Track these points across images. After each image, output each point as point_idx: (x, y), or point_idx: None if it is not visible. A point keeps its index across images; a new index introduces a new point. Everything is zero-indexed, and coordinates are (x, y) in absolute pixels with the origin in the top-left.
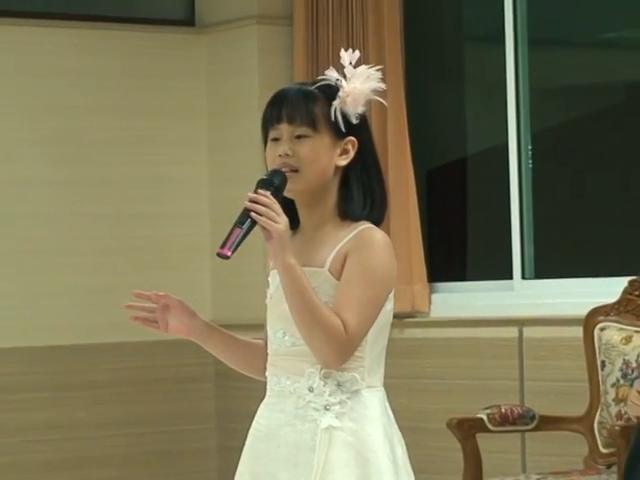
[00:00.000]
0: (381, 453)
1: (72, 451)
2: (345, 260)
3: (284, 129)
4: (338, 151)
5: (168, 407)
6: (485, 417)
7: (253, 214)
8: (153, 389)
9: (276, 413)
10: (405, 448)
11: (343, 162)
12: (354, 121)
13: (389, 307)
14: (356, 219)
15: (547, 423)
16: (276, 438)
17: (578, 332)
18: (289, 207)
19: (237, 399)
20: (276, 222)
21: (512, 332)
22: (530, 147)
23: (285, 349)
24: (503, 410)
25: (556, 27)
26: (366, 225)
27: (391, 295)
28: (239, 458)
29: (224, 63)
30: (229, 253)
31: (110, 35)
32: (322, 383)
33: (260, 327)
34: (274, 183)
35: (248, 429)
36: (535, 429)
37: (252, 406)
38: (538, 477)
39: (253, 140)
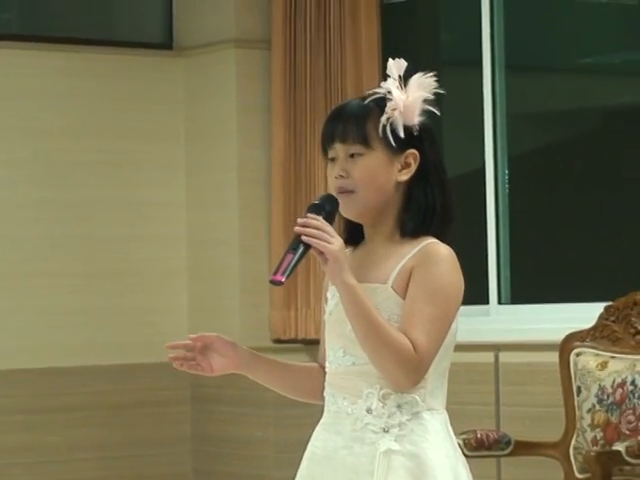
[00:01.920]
0: (441, 478)
1: (45, 475)
2: (410, 277)
3: (338, 149)
4: (398, 166)
5: (143, 431)
6: (461, 442)
7: (305, 237)
8: (128, 413)
9: (333, 435)
10: (470, 474)
11: (404, 177)
12: (402, 135)
13: (454, 327)
14: (416, 235)
15: (523, 448)
16: (333, 461)
17: (554, 357)
18: (353, 224)
19: (213, 423)
20: (330, 243)
21: (488, 357)
22: (507, 172)
23: (344, 368)
24: (479, 435)
25: (533, 52)
26: (430, 240)
27: (457, 313)
28: None
29: (202, 86)
30: (282, 279)
31: (88, 58)
32: (381, 405)
33: None
34: (325, 208)
35: (223, 453)
36: (511, 454)
37: (228, 430)
38: None
39: (230, 163)
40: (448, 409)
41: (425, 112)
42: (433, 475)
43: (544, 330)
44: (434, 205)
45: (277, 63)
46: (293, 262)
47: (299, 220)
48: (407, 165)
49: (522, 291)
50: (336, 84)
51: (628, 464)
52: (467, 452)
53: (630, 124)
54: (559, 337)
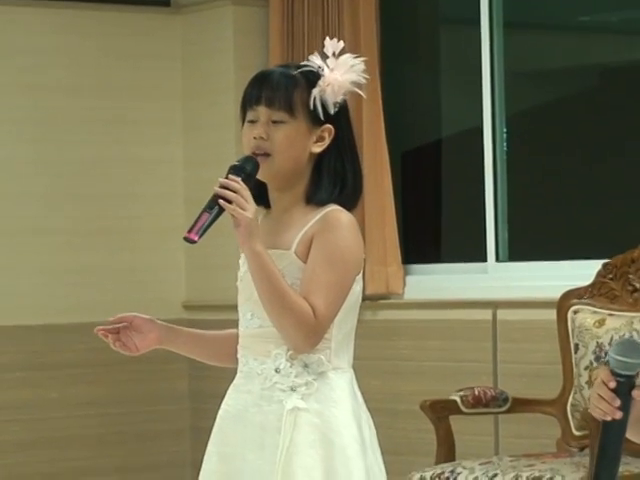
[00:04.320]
0: (347, 434)
1: (44, 431)
2: (311, 243)
3: (262, 112)
4: (314, 138)
5: (141, 387)
6: (458, 399)
7: (221, 201)
8: (126, 369)
9: (243, 394)
10: (374, 430)
11: (318, 149)
12: (332, 111)
13: (357, 289)
14: (322, 204)
15: (520, 405)
16: (243, 419)
17: (551, 315)
18: (261, 189)
19: (211, 380)
20: (244, 209)
21: (486, 314)
22: (505, 130)
23: (252, 330)
24: (476, 392)
25: (531, 10)
26: (332, 207)
27: (359, 277)
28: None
29: (199, 44)
30: (196, 238)
31: (85, 15)
32: (289, 364)
33: (234, 308)
34: (246, 169)
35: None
36: (508, 411)
37: (226, 387)
38: (511, 459)
39: (228, 121)
40: (445, 366)
41: (347, 93)
42: (338, 430)
43: (542, 288)
44: (344, 178)
45: (275, 20)
46: (207, 222)
47: (220, 180)
48: (321, 139)
49: (520, 249)
50: (314, 53)
51: None
52: (465, 409)
53: (629, 82)
54: (557, 295)
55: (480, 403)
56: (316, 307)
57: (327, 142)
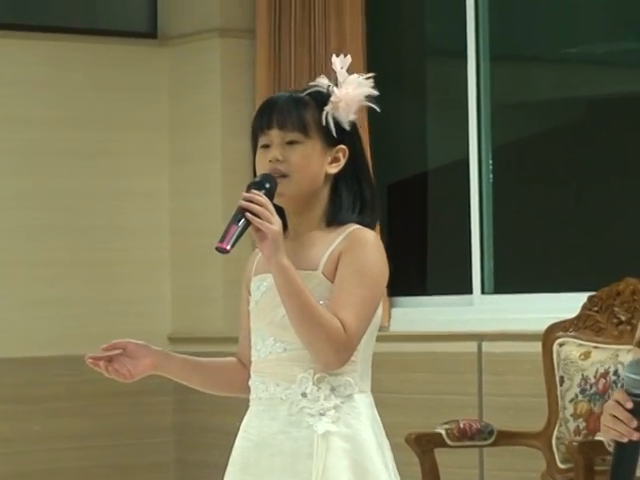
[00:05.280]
0: (378, 461)
1: (27, 464)
2: (338, 261)
3: (275, 135)
4: (329, 159)
5: (125, 420)
6: (443, 432)
7: (248, 215)
8: (110, 402)
9: (267, 421)
10: (392, 454)
11: (334, 170)
12: (347, 127)
13: (379, 312)
14: (344, 223)
15: (505, 438)
16: (269, 447)
17: (537, 347)
18: (278, 214)
19: (195, 412)
20: (271, 222)
21: (471, 347)
22: (491, 162)
23: (276, 355)
24: (461, 425)
25: (517, 43)
26: (357, 226)
27: (380, 301)
28: (196, 471)
29: (186, 75)
30: (228, 247)
31: (72, 47)
32: (316, 388)
33: (220, 340)
34: (265, 186)
35: (205, 443)
36: (493, 444)
37: (210, 419)
38: None
39: (214, 153)
40: (431, 399)
41: (359, 109)
42: (369, 456)
43: (527, 320)
44: (363, 199)
45: (262, 53)
46: (237, 233)
47: (244, 194)
48: (336, 160)
49: (505, 281)
50: (320, 74)
51: (610, 454)
52: (450, 442)
53: (614, 114)
54: (542, 327)
55: (465, 436)
56: (346, 322)
57: (342, 163)
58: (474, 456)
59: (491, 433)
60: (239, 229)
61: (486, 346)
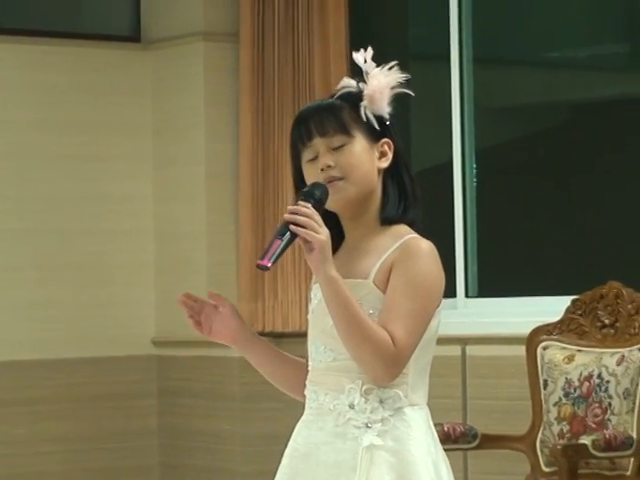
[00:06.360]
0: (424, 476)
1: (11, 467)
2: (390, 271)
3: (319, 144)
4: (377, 154)
5: (110, 424)
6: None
7: (292, 227)
8: (95, 406)
9: (314, 431)
10: (450, 468)
11: (385, 164)
12: (386, 116)
13: (435, 322)
14: (394, 222)
15: (489, 441)
16: (315, 457)
17: (521, 351)
18: (333, 223)
19: (180, 416)
20: (318, 233)
21: (455, 350)
22: (474, 165)
23: (326, 364)
24: (445, 428)
25: (501, 46)
26: (411, 235)
27: (438, 310)
28: (181, 475)
29: (169, 79)
30: (269, 264)
31: (55, 51)
32: (363, 400)
33: (203, 344)
34: (315, 195)
35: (189, 446)
36: (477, 447)
37: (195, 423)
38: None
39: (198, 157)
40: None
41: (394, 97)
42: (416, 471)
43: (511, 323)
44: (411, 192)
45: (245, 56)
46: (280, 248)
47: (289, 207)
48: (384, 154)
49: (489, 284)
50: (304, 78)
51: (594, 457)
52: None
53: (598, 118)
54: (526, 330)
55: (449, 439)
56: (395, 336)
57: (390, 156)
58: (458, 459)
59: (475, 436)
60: (283, 243)
61: (470, 350)
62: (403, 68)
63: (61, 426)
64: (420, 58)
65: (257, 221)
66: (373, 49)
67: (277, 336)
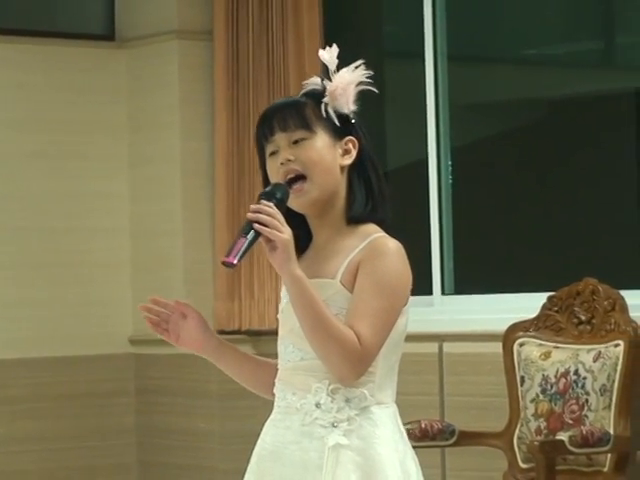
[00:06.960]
0: (391, 474)
1: None
2: (357, 271)
3: (279, 138)
4: (340, 151)
5: (88, 422)
6: (405, 432)
7: (256, 225)
8: (72, 404)
9: (282, 430)
10: (419, 466)
11: (347, 161)
12: (348, 114)
13: (403, 321)
14: (361, 221)
15: (467, 438)
16: (282, 457)
17: (497, 348)
18: (299, 222)
19: (157, 414)
20: (280, 232)
21: (432, 347)
22: (450, 162)
23: (293, 364)
24: (423, 425)
25: (475, 43)
26: (378, 234)
27: (405, 308)
28: (159, 473)
29: (144, 78)
30: (235, 261)
31: (29, 49)
32: (330, 399)
33: None
34: (276, 195)
35: (168, 444)
36: (455, 444)
37: (172, 421)
38: None
39: (173, 155)
40: None
41: (357, 94)
42: (382, 469)
43: (488, 320)
44: (378, 190)
45: (220, 54)
46: (245, 246)
47: (252, 206)
48: (347, 151)
49: (465, 282)
50: (279, 76)
51: (571, 453)
52: (411, 442)
53: (575, 114)
54: (503, 327)
55: (427, 436)
56: (361, 335)
57: (354, 154)
58: (436, 456)
59: (453, 433)
60: (247, 241)
61: (447, 347)
62: (378, 66)
63: (39, 425)
64: (394, 56)
65: (233, 219)
66: (348, 47)
67: (254, 334)
